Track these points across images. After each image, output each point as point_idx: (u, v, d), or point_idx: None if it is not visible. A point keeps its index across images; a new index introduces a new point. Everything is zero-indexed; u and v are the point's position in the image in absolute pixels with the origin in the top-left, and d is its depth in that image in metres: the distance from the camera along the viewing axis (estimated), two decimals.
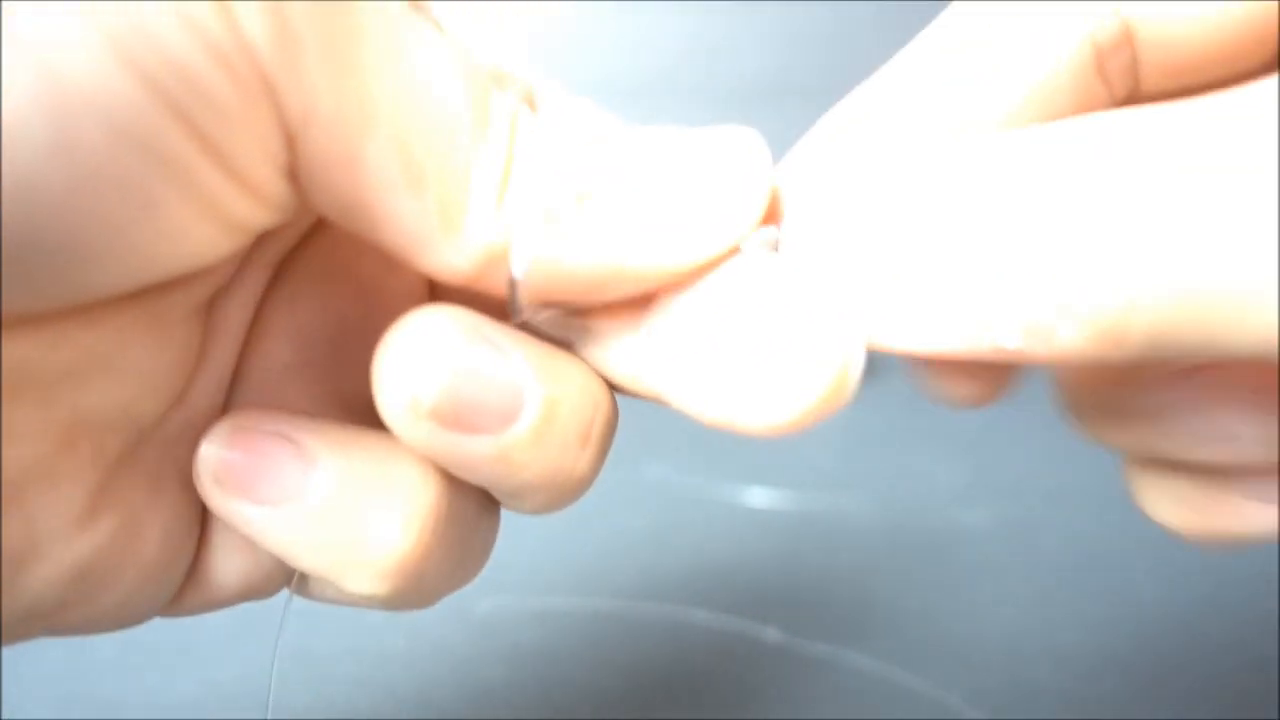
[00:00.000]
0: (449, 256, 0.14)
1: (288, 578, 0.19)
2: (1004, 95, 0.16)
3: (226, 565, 0.19)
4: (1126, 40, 0.16)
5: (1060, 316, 0.13)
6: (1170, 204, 0.13)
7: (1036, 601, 0.37)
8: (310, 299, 0.19)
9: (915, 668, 0.33)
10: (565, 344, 0.17)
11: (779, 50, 0.71)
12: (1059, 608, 0.36)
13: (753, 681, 0.32)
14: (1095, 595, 0.37)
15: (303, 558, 0.16)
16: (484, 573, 0.40)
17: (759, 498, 0.46)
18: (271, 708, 0.31)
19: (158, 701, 0.32)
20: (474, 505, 0.18)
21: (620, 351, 0.17)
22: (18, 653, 0.34)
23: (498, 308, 0.15)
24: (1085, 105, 0.17)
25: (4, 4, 0.11)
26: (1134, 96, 0.17)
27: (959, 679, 0.32)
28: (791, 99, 0.76)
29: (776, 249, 0.16)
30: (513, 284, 0.15)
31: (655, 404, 0.17)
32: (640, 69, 0.72)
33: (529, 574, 0.39)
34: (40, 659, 0.34)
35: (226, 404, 0.18)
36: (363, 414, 0.17)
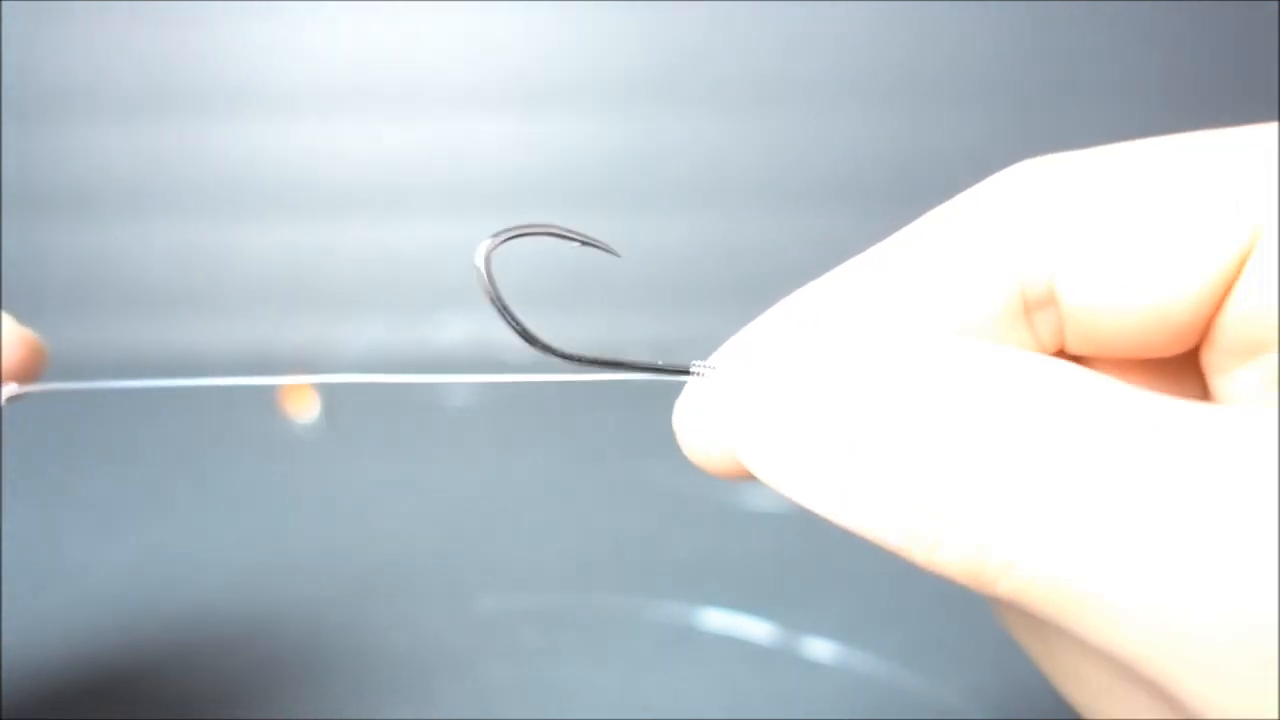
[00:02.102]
0: None
1: None
2: (938, 322, 0.17)
3: None
4: (1052, 301, 0.17)
5: (939, 540, 0.14)
6: (1057, 492, 0.13)
7: None
8: None
9: (915, 667, 0.33)
10: None
11: (779, 50, 0.71)
12: None
13: (753, 681, 0.32)
14: None
15: None
16: (484, 572, 0.41)
17: (759, 498, 0.46)
18: (269, 707, 0.31)
19: (157, 701, 0.32)
20: None
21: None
22: (18, 651, 0.34)
23: None
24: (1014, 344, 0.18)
25: None
26: (1061, 352, 0.18)
27: (959, 678, 0.32)
28: (791, 99, 0.76)
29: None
30: None
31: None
32: (640, 69, 0.72)
33: (529, 574, 0.39)
34: (41, 657, 0.34)
35: None
36: None
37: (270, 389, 0.60)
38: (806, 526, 0.43)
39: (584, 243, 0.19)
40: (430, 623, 0.36)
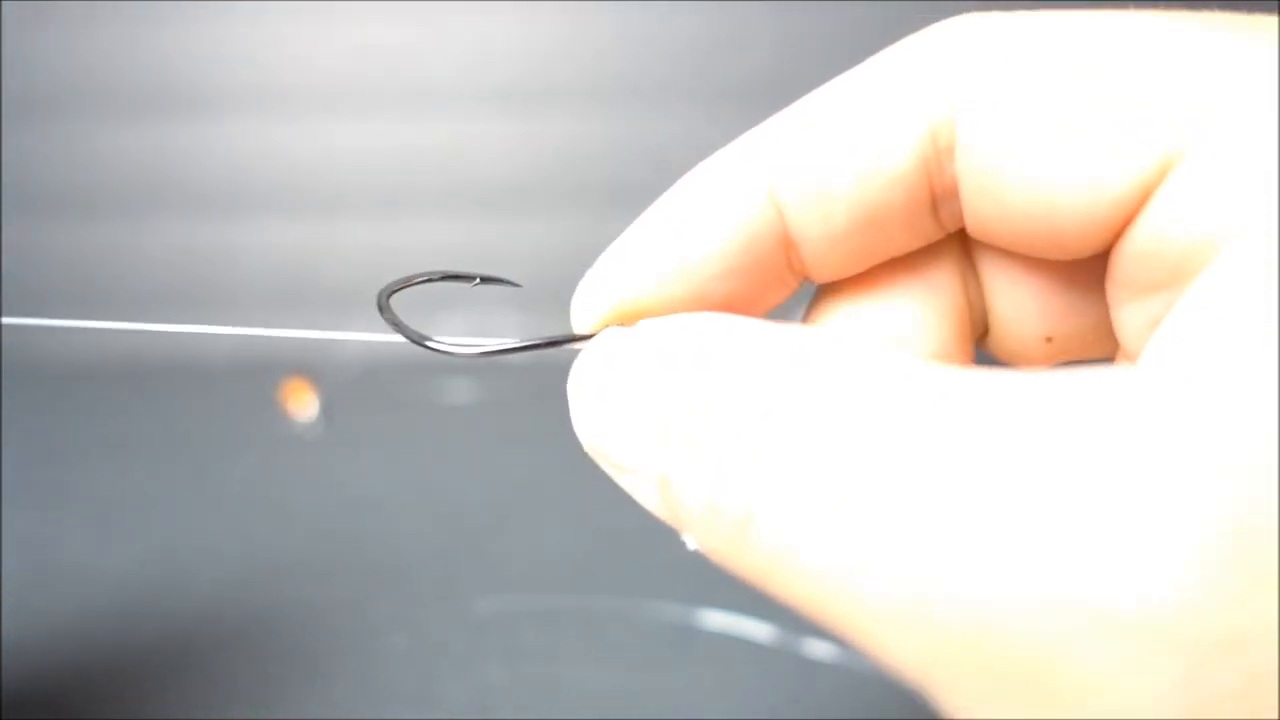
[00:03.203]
0: None
1: None
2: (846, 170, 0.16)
3: None
4: (954, 181, 0.16)
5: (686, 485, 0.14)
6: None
7: None
8: None
9: None
10: None
11: (779, 50, 0.71)
12: None
13: (753, 681, 0.32)
14: None
15: None
16: (484, 572, 0.41)
17: None
18: (269, 707, 0.31)
19: (157, 701, 0.32)
20: None
21: None
22: (18, 650, 0.34)
23: None
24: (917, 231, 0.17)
25: None
26: (961, 234, 0.17)
27: None
28: (791, 99, 0.76)
29: None
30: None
31: None
32: (640, 69, 0.72)
33: (529, 573, 0.39)
34: (41, 656, 0.34)
35: None
36: None
37: (269, 389, 0.60)
38: None
39: (482, 280, 0.21)
40: (430, 623, 0.36)
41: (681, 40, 0.72)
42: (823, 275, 0.18)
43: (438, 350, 0.18)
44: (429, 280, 0.20)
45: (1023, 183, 0.15)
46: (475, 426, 0.58)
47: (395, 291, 0.19)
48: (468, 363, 0.67)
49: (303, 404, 0.58)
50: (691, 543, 0.15)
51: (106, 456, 0.53)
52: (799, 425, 0.13)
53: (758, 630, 0.35)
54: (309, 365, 0.64)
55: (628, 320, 0.17)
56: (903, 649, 0.12)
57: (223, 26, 0.72)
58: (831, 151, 0.16)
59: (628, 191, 0.78)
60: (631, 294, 0.17)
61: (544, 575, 0.39)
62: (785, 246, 0.17)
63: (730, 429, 0.14)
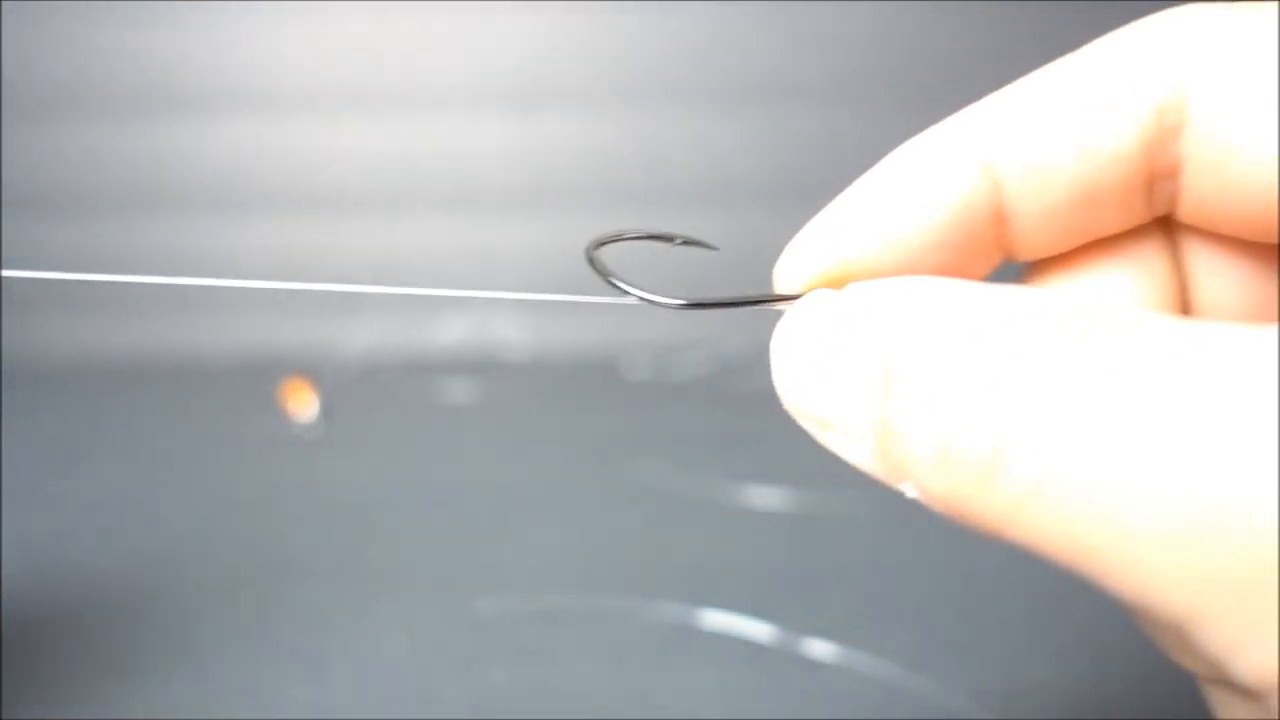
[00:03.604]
0: None
1: None
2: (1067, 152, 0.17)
3: None
4: (1178, 162, 0.17)
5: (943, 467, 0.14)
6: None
7: (1037, 601, 0.37)
8: None
9: (916, 667, 0.33)
10: None
11: (779, 50, 0.71)
12: (1059, 607, 0.36)
13: (753, 681, 0.32)
14: (1095, 595, 0.37)
15: None
16: (484, 573, 0.41)
17: (759, 498, 0.46)
18: (269, 707, 0.31)
19: (157, 702, 0.32)
20: None
21: None
22: (17, 650, 0.34)
23: None
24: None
25: None
26: (1169, 219, 0.18)
27: (961, 678, 0.32)
28: (791, 99, 0.76)
29: None
30: None
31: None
32: (640, 69, 0.72)
33: (529, 574, 0.39)
34: (40, 656, 0.34)
35: None
36: None
37: (269, 389, 0.60)
38: (806, 526, 0.43)
39: (683, 241, 0.21)
40: (430, 623, 0.36)
41: (681, 40, 0.72)
42: (1027, 252, 0.18)
43: (645, 300, 0.19)
44: (636, 238, 0.21)
45: (1252, 162, 0.16)
46: (475, 426, 0.58)
47: (604, 244, 0.20)
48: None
49: (303, 404, 0.58)
50: (911, 491, 0.15)
51: (106, 456, 0.53)
52: (1052, 357, 0.13)
53: (758, 630, 0.35)
54: (309, 365, 0.64)
55: (833, 285, 0.18)
56: (1173, 576, 0.12)
57: (222, 27, 0.72)
58: (1056, 126, 0.17)
59: (628, 191, 0.78)
60: (839, 260, 0.18)
61: (544, 575, 0.39)
62: (997, 221, 0.18)
63: (971, 371, 0.14)
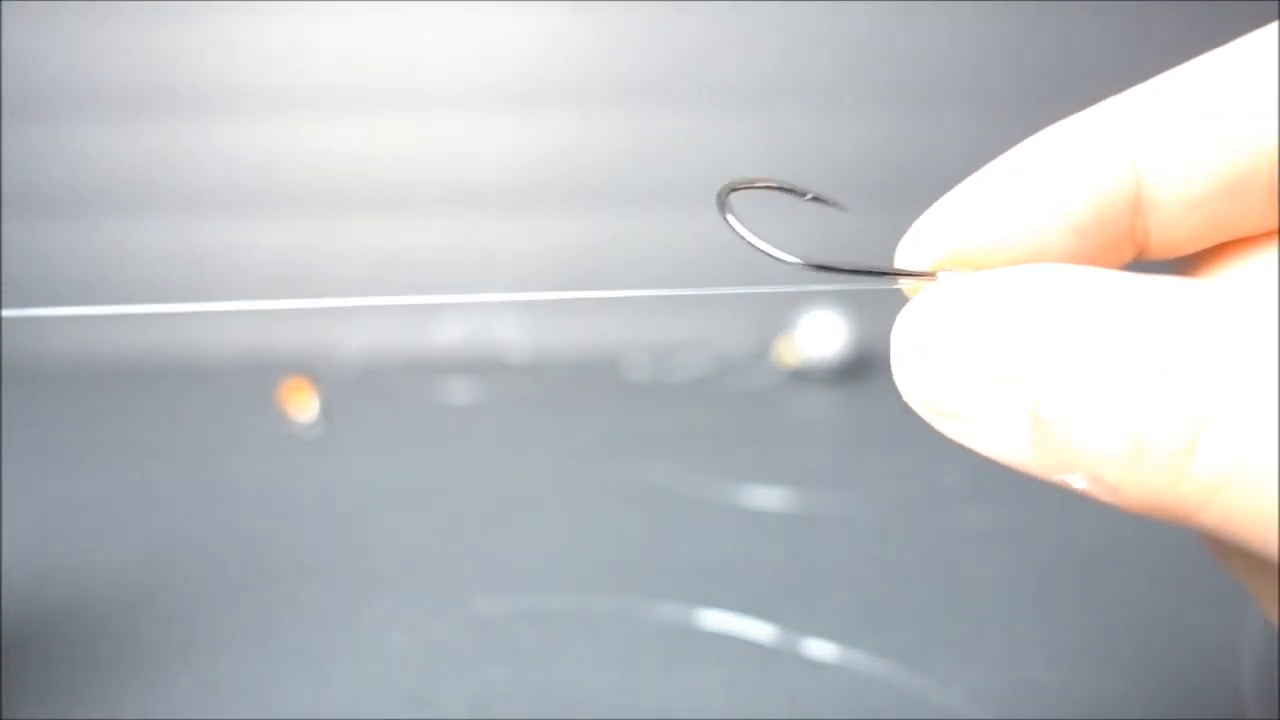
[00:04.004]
0: None
1: None
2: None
3: None
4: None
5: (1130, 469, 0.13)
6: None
7: (1036, 601, 0.37)
8: None
9: (916, 667, 0.33)
10: None
11: (779, 50, 0.71)
12: (1059, 608, 0.36)
13: (753, 681, 0.32)
14: (1094, 595, 0.37)
15: None
16: (484, 572, 0.41)
17: (759, 498, 0.46)
18: (269, 707, 0.31)
19: (157, 702, 0.32)
20: None
21: None
22: (17, 650, 0.34)
23: None
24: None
25: None
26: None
27: (960, 678, 0.32)
28: (791, 99, 0.76)
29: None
30: None
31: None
32: (640, 69, 0.72)
33: (529, 574, 0.39)
34: (40, 656, 0.34)
35: None
36: None
37: (269, 389, 0.60)
38: (806, 526, 0.43)
39: (813, 197, 0.21)
40: (430, 622, 0.36)
41: (682, 40, 0.72)
42: (1163, 248, 0.18)
43: (770, 256, 0.18)
44: (768, 187, 0.21)
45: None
46: (475, 426, 0.58)
47: (736, 190, 0.19)
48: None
49: (303, 404, 0.58)
50: (1080, 482, 0.14)
51: (106, 456, 0.53)
52: (1238, 344, 0.13)
53: (758, 630, 0.35)
54: (309, 365, 0.64)
55: (960, 268, 0.17)
56: None
57: (223, 26, 0.72)
58: (1206, 119, 0.16)
59: (628, 191, 0.79)
60: (969, 242, 0.17)
61: (544, 575, 0.39)
62: (1136, 214, 0.17)
63: (1164, 359, 0.13)
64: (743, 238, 0.19)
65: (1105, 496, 0.14)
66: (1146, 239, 0.18)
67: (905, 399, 0.17)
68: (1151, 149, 0.17)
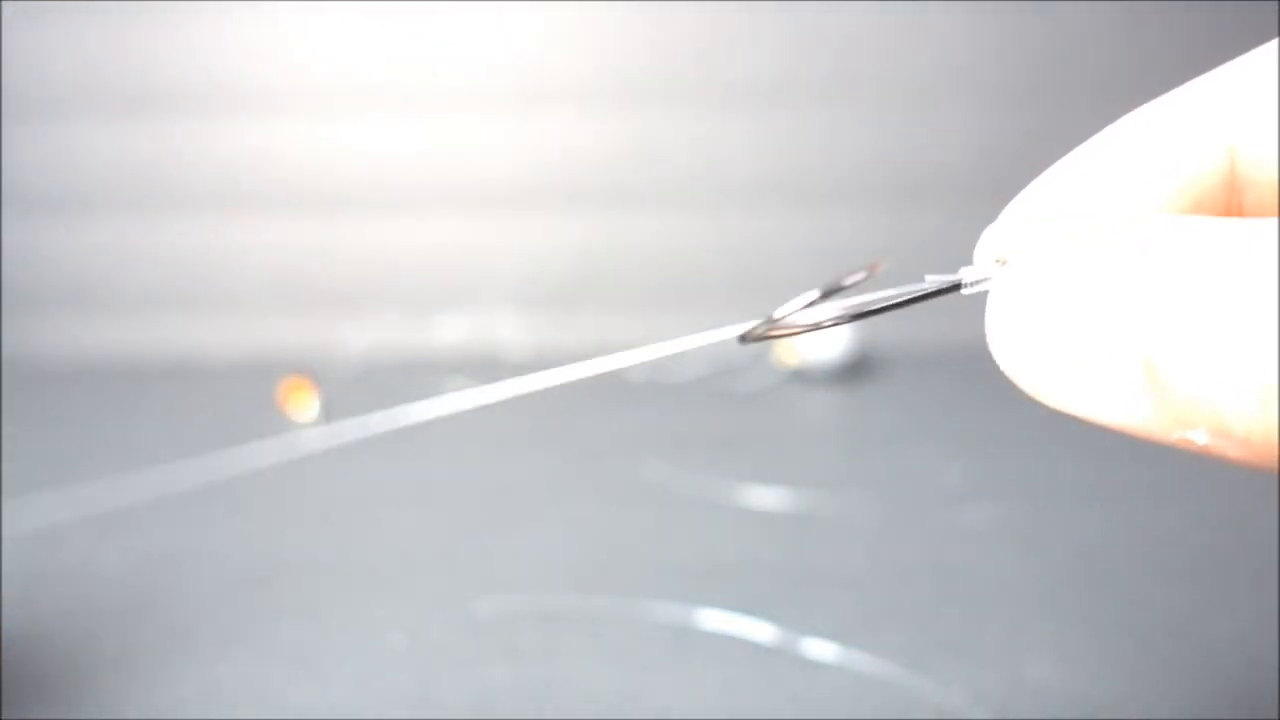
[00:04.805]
0: None
1: None
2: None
3: None
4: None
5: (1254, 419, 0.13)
6: None
7: (1037, 601, 0.37)
8: None
9: (915, 667, 0.33)
10: None
11: (779, 50, 0.71)
12: (1059, 607, 0.36)
13: (753, 681, 0.32)
14: (1095, 595, 0.37)
15: None
16: (484, 572, 0.41)
17: (759, 498, 0.46)
18: (269, 707, 0.31)
19: (157, 702, 0.32)
20: None
21: None
22: (17, 650, 0.34)
23: None
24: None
25: None
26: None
27: (960, 678, 0.32)
28: (792, 99, 0.76)
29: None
30: None
31: None
32: (640, 69, 0.72)
33: (528, 574, 0.39)
34: (40, 656, 0.34)
35: None
36: None
37: (269, 389, 0.60)
38: (806, 526, 0.43)
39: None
40: (430, 623, 0.36)
41: (682, 40, 0.72)
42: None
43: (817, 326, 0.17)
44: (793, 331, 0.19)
45: None
46: (475, 427, 0.58)
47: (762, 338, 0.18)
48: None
49: (303, 404, 0.58)
50: (1202, 438, 0.13)
51: (106, 456, 0.53)
52: None
53: (758, 630, 0.35)
54: (309, 365, 0.64)
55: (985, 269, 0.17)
56: None
57: (222, 26, 0.72)
58: None
59: (628, 191, 0.78)
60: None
61: (544, 575, 0.39)
62: (1230, 191, 0.17)
63: None
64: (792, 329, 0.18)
65: (1233, 451, 0.13)
66: (1242, 214, 0.17)
67: (1010, 377, 0.16)
68: (1244, 128, 0.16)
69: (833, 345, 0.63)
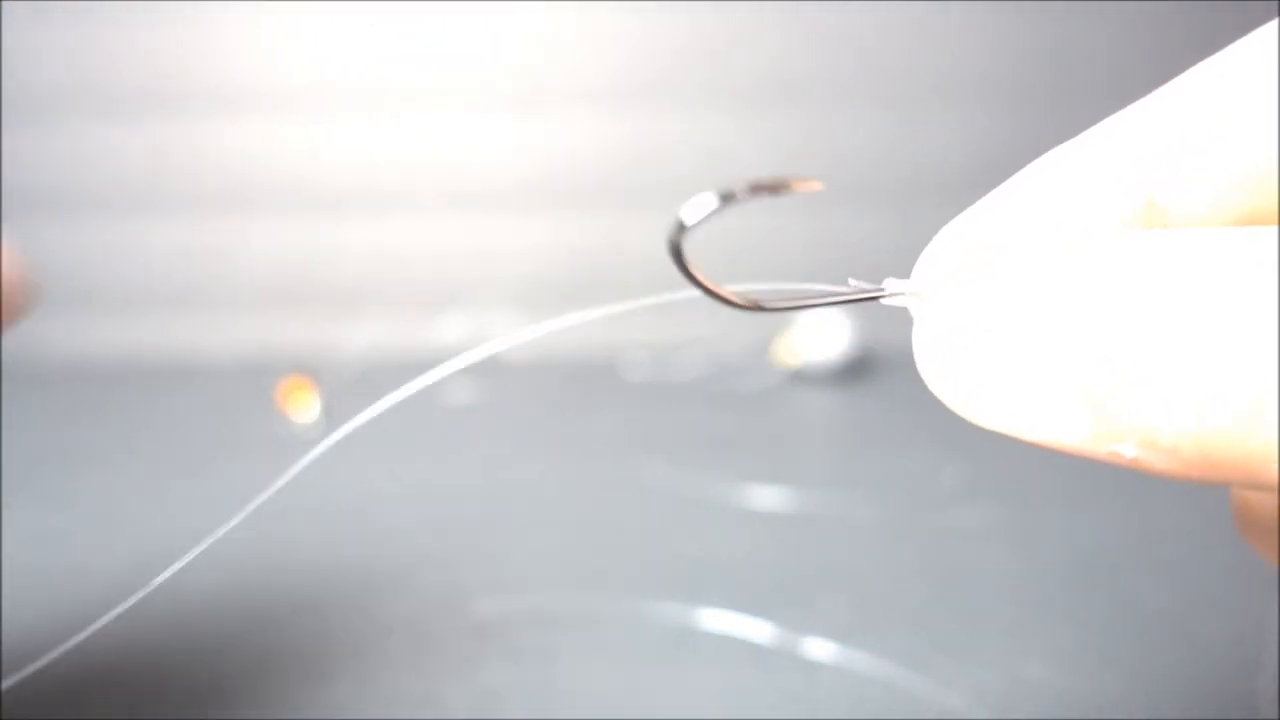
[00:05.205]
0: None
1: None
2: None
3: None
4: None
5: (1181, 433, 0.13)
6: None
7: (1036, 601, 0.37)
8: None
9: (915, 667, 0.33)
10: None
11: (780, 50, 0.71)
12: (1059, 607, 0.36)
13: (753, 681, 0.32)
14: (1095, 595, 0.37)
15: None
16: (484, 573, 0.41)
17: (759, 498, 0.46)
18: (269, 707, 0.31)
19: (157, 702, 0.32)
20: None
21: None
22: (17, 650, 0.34)
23: None
24: None
25: None
26: None
27: (960, 678, 0.32)
28: (792, 99, 0.76)
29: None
30: None
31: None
32: (640, 69, 0.72)
33: (529, 574, 0.39)
34: (41, 655, 0.34)
35: None
36: None
37: (269, 389, 0.60)
38: (806, 526, 0.43)
39: (766, 189, 0.18)
40: (430, 623, 0.36)
41: (682, 40, 0.72)
42: None
43: (722, 298, 0.18)
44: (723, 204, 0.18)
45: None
46: (475, 426, 0.58)
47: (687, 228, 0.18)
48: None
49: (303, 404, 0.58)
50: (1131, 450, 0.14)
51: (106, 456, 0.53)
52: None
53: (758, 630, 0.35)
54: (309, 365, 0.64)
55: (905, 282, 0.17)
56: None
57: (223, 26, 0.72)
58: (1211, 135, 0.15)
59: (628, 191, 0.78)
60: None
61: (544, 575, 0.39)
62: (1147, 223, 0.16)
63: (1224, 316, 0.12)
64: (698, 284, 0.18)
65: (1160, 463, 0.13)
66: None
67: (939, 398, 0.16)
68: (1159, 171, 0.16)
69: (833, 345, 0.63)
